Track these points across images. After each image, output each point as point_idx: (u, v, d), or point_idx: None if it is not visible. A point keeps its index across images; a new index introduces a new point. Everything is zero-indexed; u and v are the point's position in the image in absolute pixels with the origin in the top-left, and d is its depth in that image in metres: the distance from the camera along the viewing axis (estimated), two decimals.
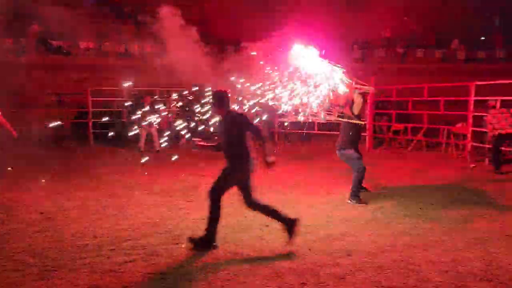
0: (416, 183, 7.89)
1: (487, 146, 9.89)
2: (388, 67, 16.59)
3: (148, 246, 4.62)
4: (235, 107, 5.65)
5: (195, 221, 5.51)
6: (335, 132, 13.00)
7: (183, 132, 11.80)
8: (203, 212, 5.70)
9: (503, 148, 9.34)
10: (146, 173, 8.82)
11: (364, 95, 6.66)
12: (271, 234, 4.97)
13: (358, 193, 6.38)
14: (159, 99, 13.65)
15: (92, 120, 13.70)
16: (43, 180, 7.86)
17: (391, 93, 13.00)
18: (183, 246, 4.59)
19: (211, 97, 4.92)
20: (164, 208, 6.15)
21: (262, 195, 4.90)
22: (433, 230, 5.13)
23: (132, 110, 11.87)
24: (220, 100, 4.69)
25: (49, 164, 9.40)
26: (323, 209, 6.07)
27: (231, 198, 6.61)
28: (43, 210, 5.96)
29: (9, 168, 8.75)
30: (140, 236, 4.95)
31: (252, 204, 4.65)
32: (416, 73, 15.91)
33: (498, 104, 9.65)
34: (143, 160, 9.66)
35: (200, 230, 4.98)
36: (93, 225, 5.34)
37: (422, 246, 4.60)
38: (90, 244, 4.67)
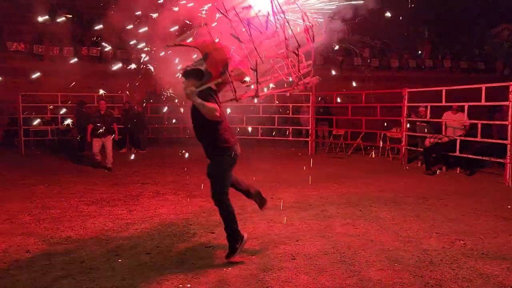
0: (357, 186, 8.20)
1: (419, 149, 10.54)
2: (328, 74, 17.17)
3: (87, 259, 4.40)
4: None
5: (136, 231, 5.33)
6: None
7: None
8: (146, 223, 5.63)
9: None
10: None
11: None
12: (217, 240, 4.93)
13: None
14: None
15: (23, 127, 12.91)
16: None
17: (332, 99, 13.46)
18: (119, 260, 4.39)
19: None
20: (104, 218, 5.90)
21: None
22: (370, 231, 5.35)
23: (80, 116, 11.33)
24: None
25: None
26: (266, 214, 6.13)
27: (175, 207, 6.55)
28: None
29: None
30: (76, 248, 4.70)
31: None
32: (353, 80, 16.62)
33: (428, 110, 10.38)
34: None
35: (142, 241, 4.85)
36: (25, 239, 5.00)
37: (361, 246, 4.78)
38: (22, 260, 4.36)
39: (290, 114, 13.81)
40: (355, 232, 5.29)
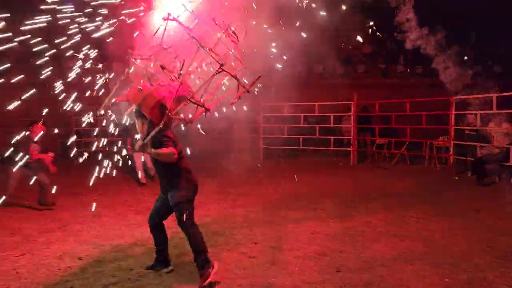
0: (401, 196, 7.97)
1: (469, 159, 10.09)
2: (370, 82, 16.87)
3: (135, 267, 4.54)
4: None
5: (182, 239, 5.44)
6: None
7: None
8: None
9: None
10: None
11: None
12: (261, 251, 4.95)
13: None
14: None
15: (78, 139, 13.58)
16: None
17: (374, 108, 13.22)
18: (165, 270, 4.48)
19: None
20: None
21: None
22: (417, 246, 5.18)
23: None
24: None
25: None
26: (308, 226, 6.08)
27: (219, 217, 6.62)
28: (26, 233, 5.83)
29: None
30: (126, 256, 4.87)
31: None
32: (397, 88, 16.23)
33: (478, 119, 9.93)
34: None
35: (187, 250, 4.97)
36: (78, 247, 5.24)
37: (409, 260, 4.63)
38: (75, 266, 4.58)
39: (332, 123, 13.67)
40: (400, 246, 5.15)
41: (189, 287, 4.04)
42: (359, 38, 14.66)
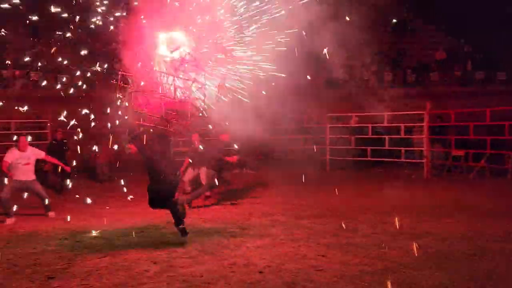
0: (481, 214, 7.43)
1: None
2: (445, 90, 16.01)
3: (205, 274, 4.71)
4: None
5: (249, 249, 5.55)
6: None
7: None
8: (258, 241, 5.84)
9: None
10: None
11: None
12: (329, 264, 4.90)
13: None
14: None
15: None
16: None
17: (449, 117, 12.52)
18: (234, 277, 4.60)
19: None
20: (219, 236, 6.25)
21: None
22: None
23: None
24: None
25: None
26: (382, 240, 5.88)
27: (284, 228, 6.63)
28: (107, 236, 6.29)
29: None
30: (196, 263, 5.06)
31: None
32: (474, 96, 15.23)
33: None
34: None
35: (254, 259, 5.06)
36: (152, 252, 5.54)
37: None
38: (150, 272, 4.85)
39: (402, 134, 13.15)
40: (480, 267, 4.81)
41: None
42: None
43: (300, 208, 8.05)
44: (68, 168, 8.53)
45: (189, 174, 9.28)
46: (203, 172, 8.81)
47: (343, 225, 6.64)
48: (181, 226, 5.85)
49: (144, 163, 5.91)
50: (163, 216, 7.47)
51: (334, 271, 4.68)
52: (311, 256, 5.25)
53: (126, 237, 6.22)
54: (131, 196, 8.47)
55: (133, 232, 6.41)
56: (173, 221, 5.90)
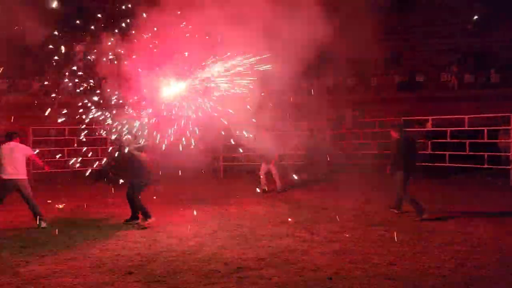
0: None
1: None
2: None
3: (275, 277, 4.76)
4: None
5: (317, 254, 5.51)
6: None
7: None
8: (326, 247, 5.78)
9: None
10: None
11: None
12: (399, 273, 4.71)
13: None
14: None
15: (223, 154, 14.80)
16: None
17: None
18: (304, 281, 4.59)
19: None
20: (288, 239, 6.28)
21: None
22: None
23: None
24: None
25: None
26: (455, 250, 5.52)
27: (354, 234, 6.50)
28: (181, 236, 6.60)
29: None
30: (266, 266, 5.14)
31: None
32: None
33: None
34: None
35: (323, 264, 5.02)
36: (221, 252, 5.72)
37: None
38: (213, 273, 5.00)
39: (485, 138, 12.21)
40: None
41: None
42: None
43: (370, 215, 7.82)
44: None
45: (263, 169, 10.65)
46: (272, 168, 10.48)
47: (417, 234, 6.34)
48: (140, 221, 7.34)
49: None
50: (233, 220, 7.68)
51: (406, 281, 4.50)
52: (382, 264, 5.09)
53: (201, 238, 6.47)
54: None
55: (204, 234, 6.66)
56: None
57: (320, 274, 4.82)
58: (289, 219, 7.58)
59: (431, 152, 12.65)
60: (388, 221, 7.25)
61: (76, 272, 4.97)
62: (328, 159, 13.99)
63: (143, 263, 5.29)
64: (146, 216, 7.26)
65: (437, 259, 5.23)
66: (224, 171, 14.60)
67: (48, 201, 9.46)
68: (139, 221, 7.36)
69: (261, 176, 10.69)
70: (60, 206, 8.92)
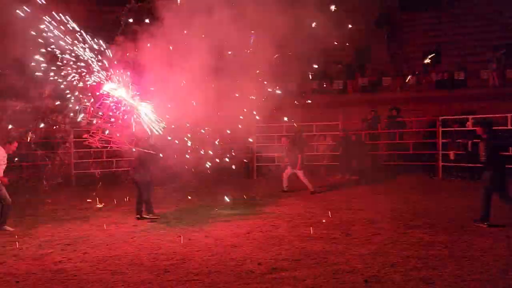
0: None
1: None
2: None
3: (309, 279, 4.72)
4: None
5: (353, 256, 5.42)
6: None
7: None
8: (362, 249, 5.68)
9: None
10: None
11: None
12: (440, 278, 4.56)
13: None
14: None
15: (257, 154, 14.85)
16: None
17: None
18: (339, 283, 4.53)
19: None
20: (322, 241, 6.22)
21: None
22: None
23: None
24: None
25: None
26: None
27: (391, 236, 6.36)
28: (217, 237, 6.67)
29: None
30: (299, 267, 5.11)
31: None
32: None
33: None
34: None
35: (359, 267, 4.94)
36: (255, 252, 5.73)
37: None
38: (255, 271, 5.02)
39: None
40: None
41: None
42: None
43: (407, 217, 7.62)
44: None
45: (287, 173, 10.89)
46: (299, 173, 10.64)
47: (457, 237, 6.13)
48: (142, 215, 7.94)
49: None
50: (268, 220, 7.69)
51: (446, 286, 4.35)
52: (420, 267, 4.95)
53: (236, 238, 6.52)
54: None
55: (239, 234, 6.71)
56: None
57: (356, 276, 4.74)
58: (324, 220, 7.51)
59: (471, 152, 12.17)
60: (427, 224, 7.04)
61: (116, 270, 5.11)
62: (364, 160, 13.78)
63: (179, 262, 5.39)
64: (150, 211, 8.04)
65: (480, 264, 5.03)
66: (257, 171, 14.66)
67: (88, 200, 9.83)
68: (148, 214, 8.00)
69: (284, 177, 10.97)
70: (99, 206, 9.22)
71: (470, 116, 12.72)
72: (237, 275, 4.88)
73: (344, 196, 10.18)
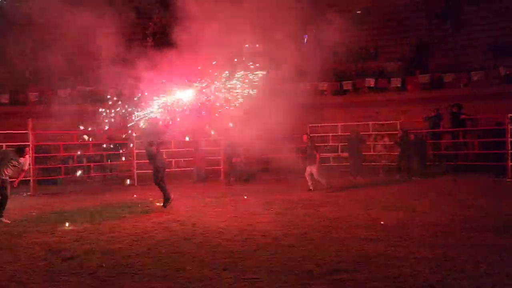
0: None
1: None
2: None
3: (369, 281, 4.61)
4: None
5: (415, 260, 5.21)
6: None
7: None
8: (426, 252, 5.44)
9: None
10: None
11: None
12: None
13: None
14: None
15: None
16: None
17: None
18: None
19: None
20: (384, 244, 6.05)
21: None
22: None
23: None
24: None
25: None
26: None
27: (447, 241, 6.04)
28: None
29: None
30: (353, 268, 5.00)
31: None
32: None
33: None
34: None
35: (422, 271, 4.77)
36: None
37: None
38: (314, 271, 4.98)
39: None
40: None
41: None
42: None
43: (474, 220, 7.23)
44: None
45: (308, 172, 11.23)
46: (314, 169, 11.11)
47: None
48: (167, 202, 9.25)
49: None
50: (324, 222, 7.61)
51: None
52: (491, 273, 4.65)
53: (293, 238, 6.51)
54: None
55: (296, 234, 6.69)
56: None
57: (420, 281, 4.55)
58: (382, 222, 7.30)
59: None
60: (496, 227, 6.63)
61: (179, 266, 5.29)
62: (424, 159, 13.26)
63: (238, 260, 5.46)
64: (167, 200, 9.19)
65: (501, 263, 4.67)
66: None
67: (150, 199, 10.28)
68: (170, 201, 9.18)
69: (307, 177, 11.18)
70: (159, 204, 9.60)
71: None
72: (296, 275, 4.86)
73: (404, 197, 9.86)
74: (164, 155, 10.04)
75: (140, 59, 10.26)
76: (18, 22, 12.61)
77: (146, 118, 9.96)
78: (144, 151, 9.77)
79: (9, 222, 7.94)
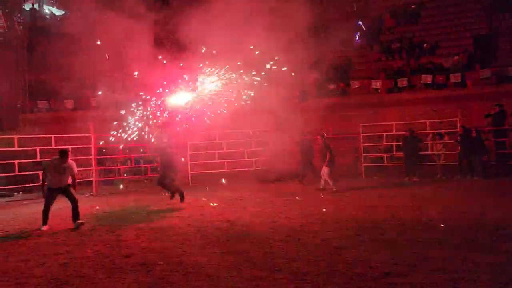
0: None
1: None
2: None
3: (425, 286, 4.44)
4: None
5: (476, 265, 4.94)
6: None
7: None
8: (489, 257, 5.14)
9: None
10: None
11: None
12: None
13: None
14: None
15: (363, 154, 14.39)
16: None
17: None
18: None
19: None
20: (438, 247, 5.79)
21: None
22: None
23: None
24: None
25: None
26: None
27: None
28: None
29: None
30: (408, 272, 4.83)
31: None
32: None
33: None
34: None
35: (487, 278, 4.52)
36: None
37: None
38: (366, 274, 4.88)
39: None
40: None
41: None
42: None
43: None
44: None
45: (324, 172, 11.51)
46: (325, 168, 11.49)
47: None
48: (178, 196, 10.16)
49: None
50: (375, 224, 7.42)
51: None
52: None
53: (344, 240, 6.41)
54: None
55: (348, 236, 6.57)
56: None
57: (481, 287, 4.31)
58: (442, 225, 6.98)
59: None
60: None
61: (231, 266, 5.38)
62: (486, 159, 12.53)
63: (289, 261, 5.47)
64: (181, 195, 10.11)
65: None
66: (366, 171, 14.24)
67: (203, 199, 10.55)
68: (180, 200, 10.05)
69: (322, 178, 11.52)
70: (213, 204, 9.81)
71: None
72: (348, 277, 4.78)
73: (463, 198, 9.40)
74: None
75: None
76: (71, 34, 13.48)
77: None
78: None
79: (84, 222, 8.18)
